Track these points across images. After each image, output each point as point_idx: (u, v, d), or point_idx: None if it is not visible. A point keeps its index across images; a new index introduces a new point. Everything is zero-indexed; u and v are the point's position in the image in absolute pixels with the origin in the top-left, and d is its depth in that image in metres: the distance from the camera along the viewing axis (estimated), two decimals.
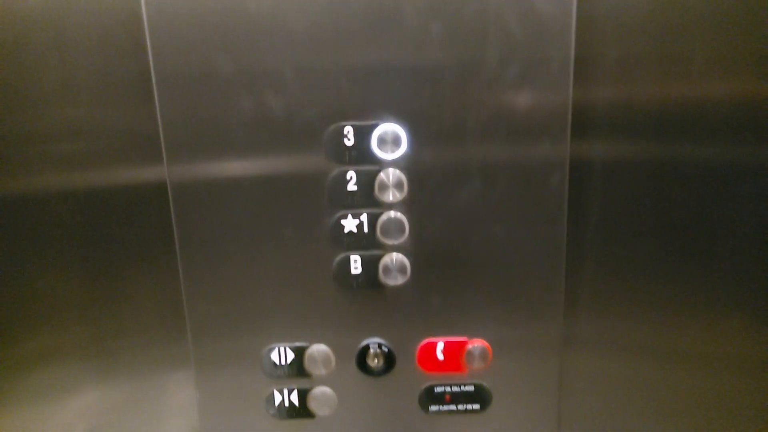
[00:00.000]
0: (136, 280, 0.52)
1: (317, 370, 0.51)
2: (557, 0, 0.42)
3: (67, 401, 0.55)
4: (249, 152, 0.45)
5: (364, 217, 0.47)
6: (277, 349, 0.50)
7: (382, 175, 0.46)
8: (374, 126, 0.45)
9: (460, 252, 0.48)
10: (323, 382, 0.51)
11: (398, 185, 0.46)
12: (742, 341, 0.53)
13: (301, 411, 0.52)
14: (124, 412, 0.56)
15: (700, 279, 0.51)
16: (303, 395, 0.51)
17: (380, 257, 0.48)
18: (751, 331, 0.53)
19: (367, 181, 0.46)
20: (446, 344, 0.50)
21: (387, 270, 0.48)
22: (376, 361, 0.50)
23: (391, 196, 0.46)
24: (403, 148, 0.45)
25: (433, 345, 0.50)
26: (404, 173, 0.46)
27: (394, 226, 0.47)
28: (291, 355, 0.50)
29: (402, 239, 0.47)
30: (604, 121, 0.47)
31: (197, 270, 0.48)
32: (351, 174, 0.46)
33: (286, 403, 0.52)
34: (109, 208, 0.50)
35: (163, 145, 0.45)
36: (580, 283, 0.51)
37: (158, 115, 0.45)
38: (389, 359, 0.50)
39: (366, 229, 0.47)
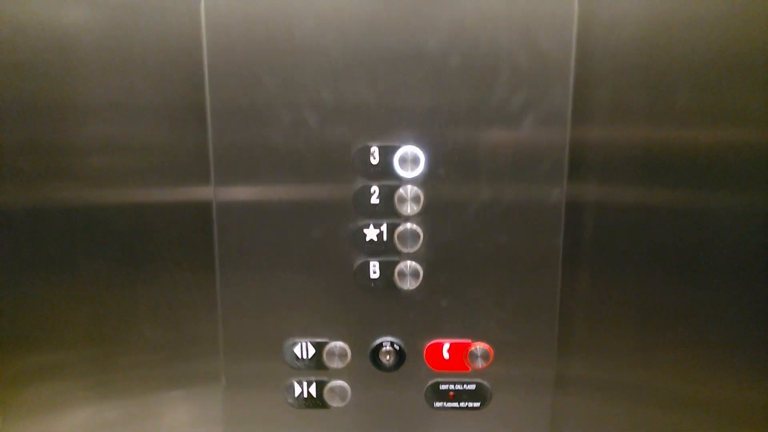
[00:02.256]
0: (149, 297, 0.56)
1: (334, 364, 0.56)
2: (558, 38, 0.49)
3: (65, 416, 0.59)
4: (287, 168, 0.52)
5: (384, 227, 0.53)
6: (299, 344, 0.56)
7: (401, 190, 0.52)
8: (397, 147, 0.51)
9: (468, 261, 0.53)
10: (339, 375, 0.57)
11: (415, 199, 0.52)
12: (736, 385, 0.57)
13: (317, 402, 0.57)
14: (122, 429, 0.60)
15: (692, 319, 0.56)
16: (320, 387, 0.57)
17: (396, 263, 0.54)
18: (745, 376, 0.57)
19: (388, 195, 0.52)
20: (452, 345, 0.55)
21: (402, 275, 0.54)
22: (387, 357, 0.56)
23: (409, 209, 0.52)
24: (421, 167, 0.52)
25: (440, 345, 0.56)
26: (421, 189, 0.52)
27: (410, 236, 0.53)
28: (312, 350, 0.56)
29: (416, 248, 0.53)
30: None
31: (232, 272, 0.54)
32: (374, 188, 0.52)
33: (305, 394, 0.57)
34: (154, 224, 0.55)
35: (212, 167, 0.52)
36: (573, 315, 0.56)
37: (210, 141, 0.51)
38: (400, 356, 0.56)
39: (385, 238, 0.53)
